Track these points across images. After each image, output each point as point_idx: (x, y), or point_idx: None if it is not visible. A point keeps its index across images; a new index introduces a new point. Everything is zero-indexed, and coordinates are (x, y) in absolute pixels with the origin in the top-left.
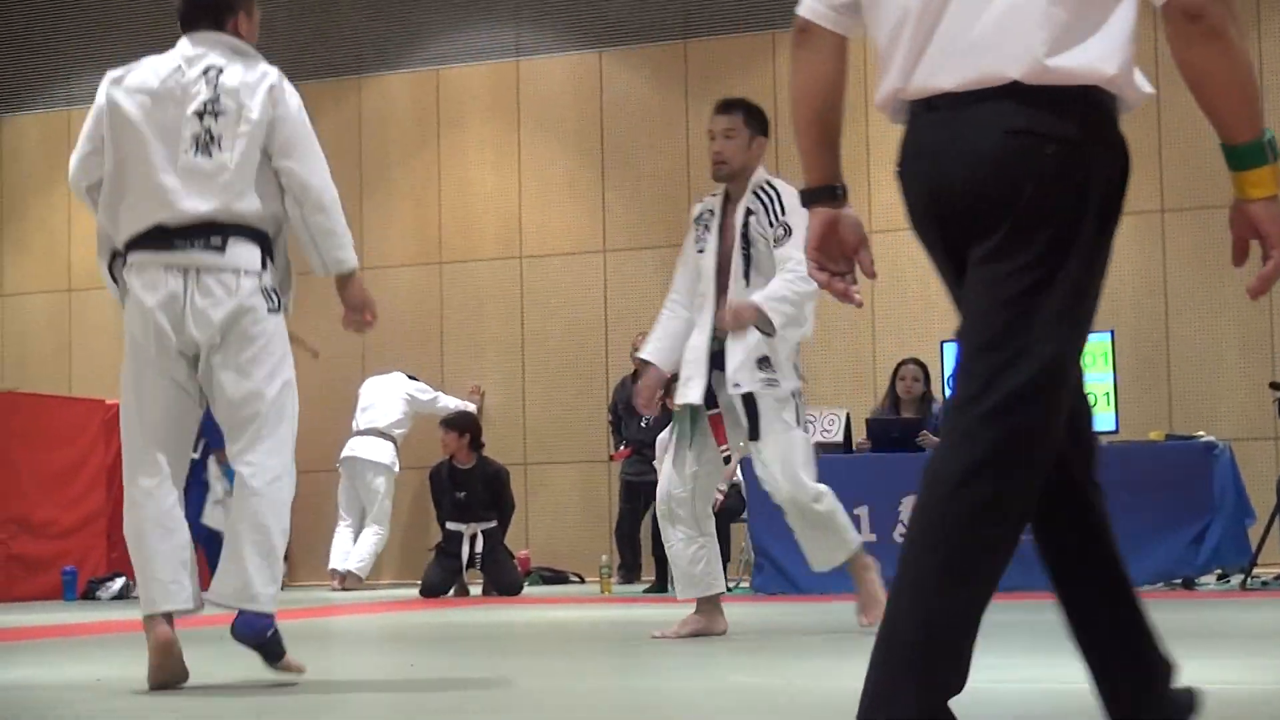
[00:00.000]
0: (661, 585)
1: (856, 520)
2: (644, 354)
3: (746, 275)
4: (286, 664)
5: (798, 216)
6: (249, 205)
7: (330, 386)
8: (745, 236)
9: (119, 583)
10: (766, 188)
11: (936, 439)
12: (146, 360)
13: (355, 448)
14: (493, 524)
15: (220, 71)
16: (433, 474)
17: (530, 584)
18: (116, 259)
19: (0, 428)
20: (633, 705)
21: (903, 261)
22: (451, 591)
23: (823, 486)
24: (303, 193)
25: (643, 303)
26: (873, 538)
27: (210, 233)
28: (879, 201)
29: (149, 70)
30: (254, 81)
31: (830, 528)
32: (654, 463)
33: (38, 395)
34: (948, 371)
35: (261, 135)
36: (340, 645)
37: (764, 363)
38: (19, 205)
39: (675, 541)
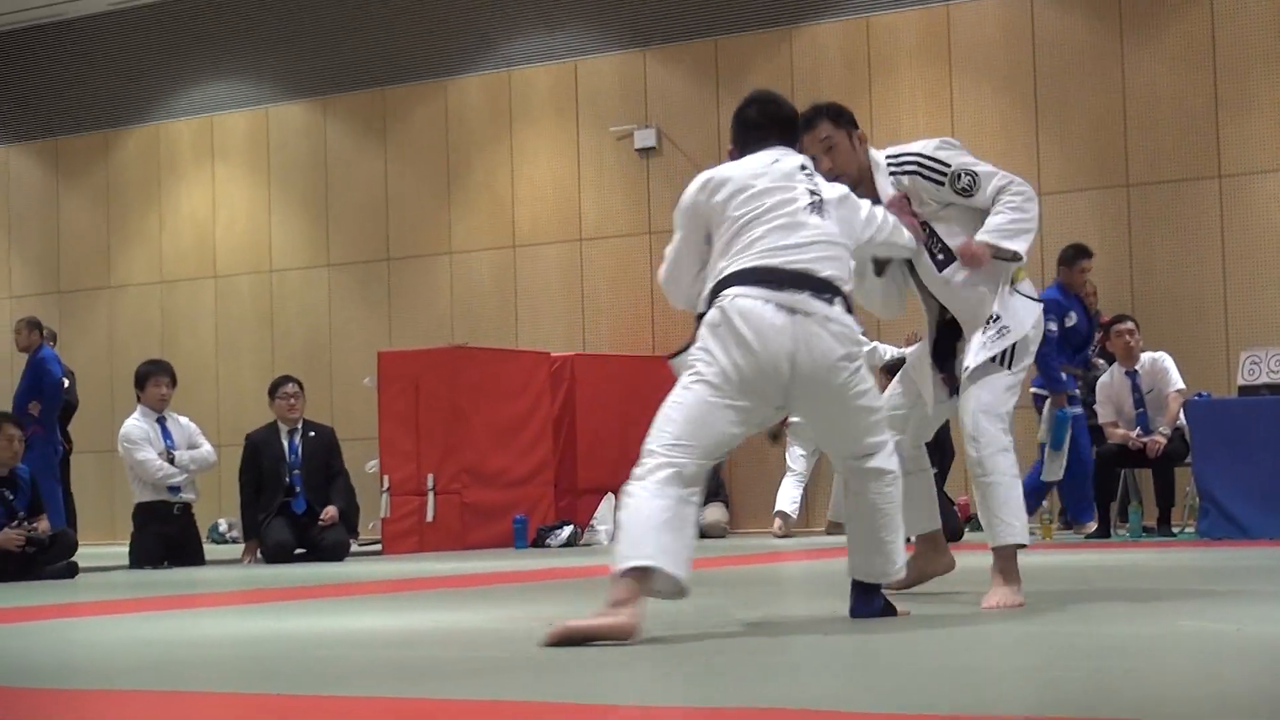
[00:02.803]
0: (1104, 530)
1: None
2: None
3: (940, 264)
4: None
5: (960, 156)
6: (844, 279)
7: None
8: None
9: (567, 530)
10: (903, 161)
11: None
12: (733, 385)
13: None
14: (932, 471)
15: (813, 176)
16: None
17: (970, 530)
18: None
19: (452, 381)
20: (1082, 648)
21: None
22: None
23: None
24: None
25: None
26: None
27: (820, 288)
28: None
29: (748, 161)
30: (839, 191)
31: (984, 490)
32: (1094, 406)
33: (487, 349)
34: None
35: (852, 230)
36: (780, 592)
37: (988, 323)
38: (465, 165)
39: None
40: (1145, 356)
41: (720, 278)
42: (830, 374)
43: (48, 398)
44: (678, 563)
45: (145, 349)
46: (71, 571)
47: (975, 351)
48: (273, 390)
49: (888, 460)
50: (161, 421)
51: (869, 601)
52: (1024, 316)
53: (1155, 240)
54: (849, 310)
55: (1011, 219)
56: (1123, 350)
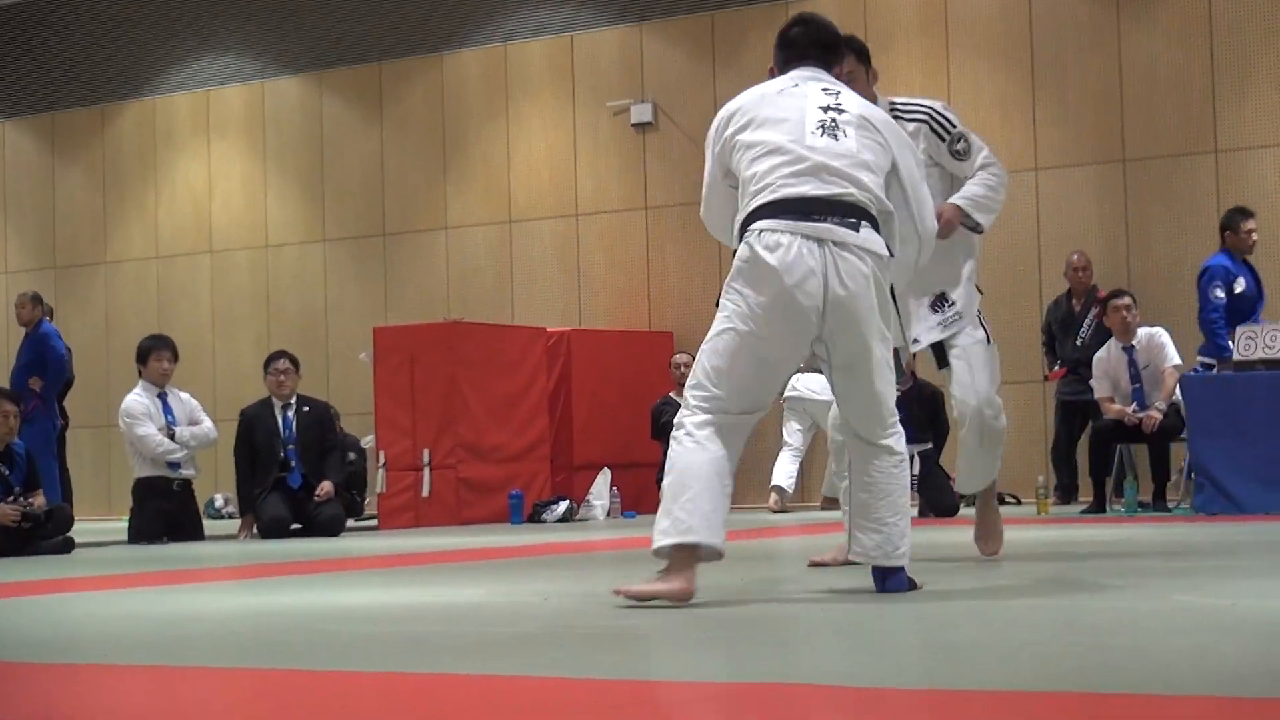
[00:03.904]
0: (1100, 506)
1: None
2: None
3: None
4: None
5: (961, 125)
6: (875, 197)
7: None
8: None
9: (563, 506)
10: (913, 109)
11: None
12: (762, 326)
13: (799, 386)
14: (928, 446)
15: (839, 93)
16: None
17: (966, 505)
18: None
19: (448, 357)
20: (1077, 623)
21: None
22: None
23: (1000, 402)
24: (925, 237)
25: (1076, 221)
26: None
27: (846, 213)
28: None
29: (760, 88)
30: (873, 111)
31: (996, 450)
32: (1090, 381)
33: (483, 324)
34: None
35: (887, 152)
36: (769, 565)
37: (939, 302)
38: (461, 140)
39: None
40: (1142, 332)
41: (745, 214)
42: (863, 297)
43: (52, 373)
44: (716, 531)
45: (141, 324)
46: (68, 547)
47: (930, 328)
48: (265, 366)
49: (898, 442)
50: (163, 397)
51: (894, 578)
52: (972, 308)
53: (1152, 215)
54: (877, 229)
55: (986, 194)
56: (1119, 325)
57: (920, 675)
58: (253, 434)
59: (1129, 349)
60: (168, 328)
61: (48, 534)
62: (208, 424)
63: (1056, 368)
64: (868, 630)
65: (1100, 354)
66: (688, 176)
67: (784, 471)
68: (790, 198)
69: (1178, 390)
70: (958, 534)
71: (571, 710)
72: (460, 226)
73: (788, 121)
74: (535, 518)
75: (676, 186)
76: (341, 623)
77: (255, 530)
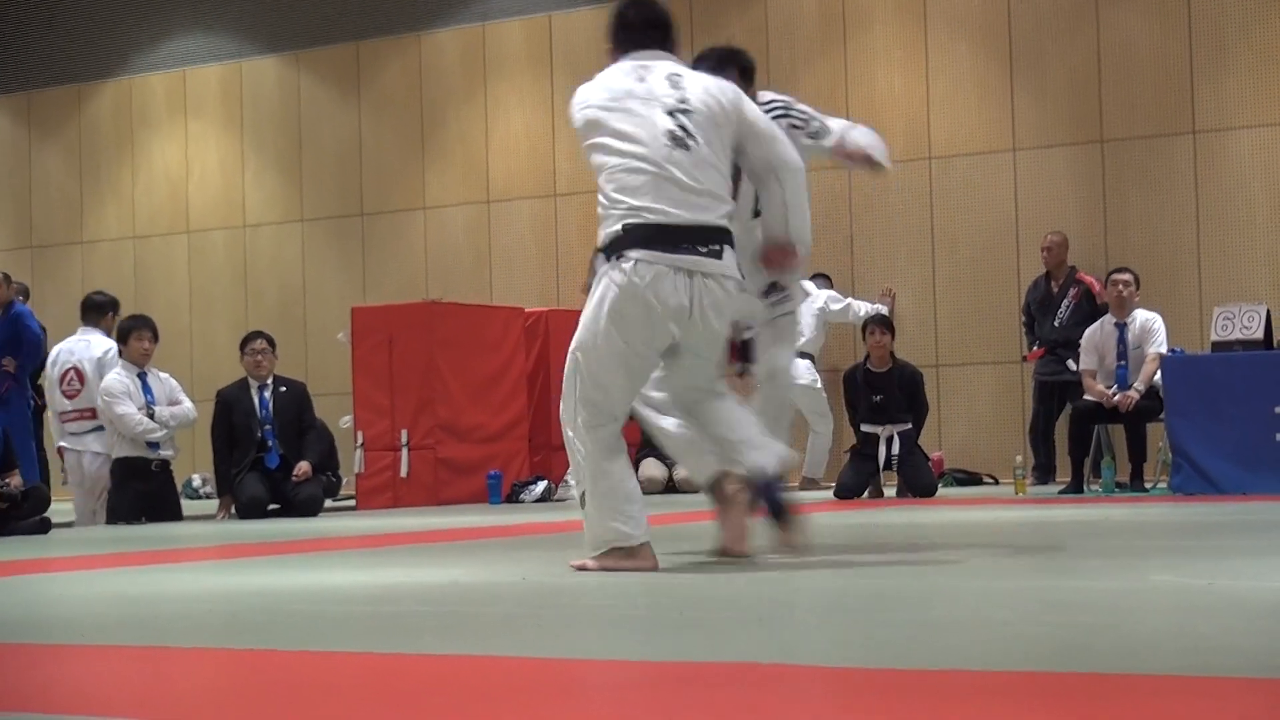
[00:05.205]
0: (1078, 486)
1: (1278, 419)
2: None
3: (756, 211)
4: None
5: (813, 111)
6: (727, 209)
7: None
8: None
9: (541, 486)
10: (773, 105)
11: None
12: (633, 338)
13: None
14: (907, 426)
15: (680, 78)
16: (847, 377)
17: (944, 485)
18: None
19: (426, 337)
20: (1054, 603)
21: None
22: (866, 493)
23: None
24: (783, 171)
25: (1053, 202)
26: None
27: (710, 239)
28: None
29: (601, 84)
30: (713, 96)
31: (777, 414)
32: (1068, 362)
33: (461, 304)
34: None
35: (729, 132)
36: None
37: (771, 289)
38: (439, 119)
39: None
40: (1139, 312)
41: (613, 233)
42: (720, 323)
43: (27, 354)
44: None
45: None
46: (44, 527)
47: (761, 314)
48: (242, 346)
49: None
50: (143, 376)
51: (766, 494)
52: (800, 296)
53: (1130, 196)
54: (732, 245)
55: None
56: (1115, 300)
57: (895, 655)
58: (230, 414)
59: (1121, 326)
60: (144, 308)
61: (24, 514)
62: (187, 404)
63: (1035, 348)
64: (842, 609)
65: (1093, 328)
66: None
67: None
68: (658, 225)
69: (1158, 375)
70: (936, 514)
71: (549, 689)
72: (438, 207)
73: (644, 128)
74: (513, 498)
75: None
76: (319, 603)
77: (233, 510)
